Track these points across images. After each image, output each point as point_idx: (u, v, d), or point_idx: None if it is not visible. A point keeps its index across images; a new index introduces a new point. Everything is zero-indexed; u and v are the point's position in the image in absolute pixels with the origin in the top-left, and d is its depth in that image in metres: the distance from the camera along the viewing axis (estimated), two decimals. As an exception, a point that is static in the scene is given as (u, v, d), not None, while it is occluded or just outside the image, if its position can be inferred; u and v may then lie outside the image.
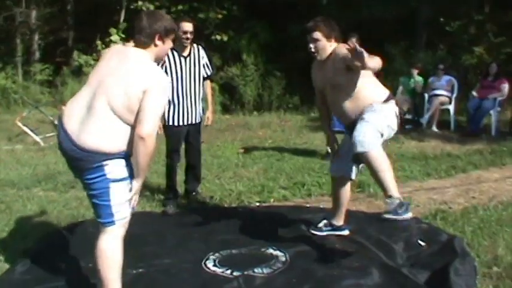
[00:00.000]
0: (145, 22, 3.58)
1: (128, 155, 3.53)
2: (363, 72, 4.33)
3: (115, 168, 3.48)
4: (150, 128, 3.39)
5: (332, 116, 4.99)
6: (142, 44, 3.59)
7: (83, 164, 3.47)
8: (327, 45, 4.49)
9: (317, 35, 4.47)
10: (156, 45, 3.60)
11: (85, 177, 3.52)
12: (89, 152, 3.41)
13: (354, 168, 4.83)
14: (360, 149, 4.05)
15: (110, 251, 3.56)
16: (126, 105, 3.40)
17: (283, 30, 16.16)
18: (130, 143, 3.47)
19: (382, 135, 4.23)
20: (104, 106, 3.42)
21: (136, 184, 3.59)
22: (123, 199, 3.54)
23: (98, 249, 3.55)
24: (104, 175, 3.46)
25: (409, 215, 4.05)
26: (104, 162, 3.44)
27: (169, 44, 3.71)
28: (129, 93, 3.40)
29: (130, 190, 3.58)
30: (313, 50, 4.52)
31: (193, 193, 6.44)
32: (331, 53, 4.48)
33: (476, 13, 15.04)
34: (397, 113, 4.48)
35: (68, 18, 19.77)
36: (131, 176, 3.56)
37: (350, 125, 4.43)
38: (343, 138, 4.88)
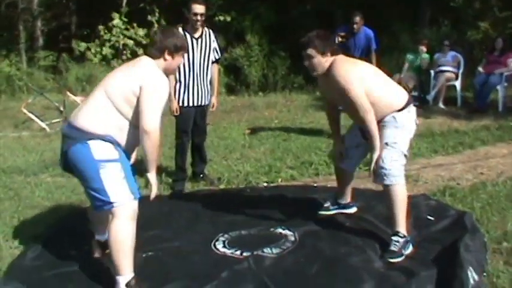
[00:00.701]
0: (158, 37, 3.92)
1: (114, 142, 3.69)
2: (372, 83, 4.29)
3: (100, 148, 3.64)
4: (152, 122, 3.60)
5: (340, 123, 4.86)
6: (153, 56, 3.87)
7: (70, 142, 3.68)
8: (322, 61, 4.31)
9: (311, 51, 4.31)
10: (165, 59, 3.89)
11: (73, 160, 3.68)
12: (78, 130, 3.66)
13: (357, 164, 4.93)
14: (384, 181, 4.21)
15: (119, 234, 3.63)
16: (123, 96, 3.65)
17: (286, 10, 16.08)
18: (123, 133, 3.71)
19: (405, 156, 4.33)
20: (102, 93, 3.70)
21: (150, 177, 3.77)
22: (116, 180, 3.64)
23: (109, 234, 3.67)
24: (90, 154, 3.61)
25: (410, 249, 4.20)
26: (88, 142, 3.62)
27: (178, 60, 3.99)
28: (127, 85, 3.65)
29: (123, 172, 3.68)
30: (308, 66, 4.39)
31: (201, 175, 6.45)
32: (330, 68, 4.31)
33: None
34: (417, 121, 4.47)
35: (70, 4, 19.72)
36: (121, 160, 3.68)
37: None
38: (347, 131, 4.85)
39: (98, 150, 3.62)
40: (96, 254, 4.27)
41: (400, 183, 4.22)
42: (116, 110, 3.66)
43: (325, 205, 5.16)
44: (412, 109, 4.41)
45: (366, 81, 4.25)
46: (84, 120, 3.68)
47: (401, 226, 4.23)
